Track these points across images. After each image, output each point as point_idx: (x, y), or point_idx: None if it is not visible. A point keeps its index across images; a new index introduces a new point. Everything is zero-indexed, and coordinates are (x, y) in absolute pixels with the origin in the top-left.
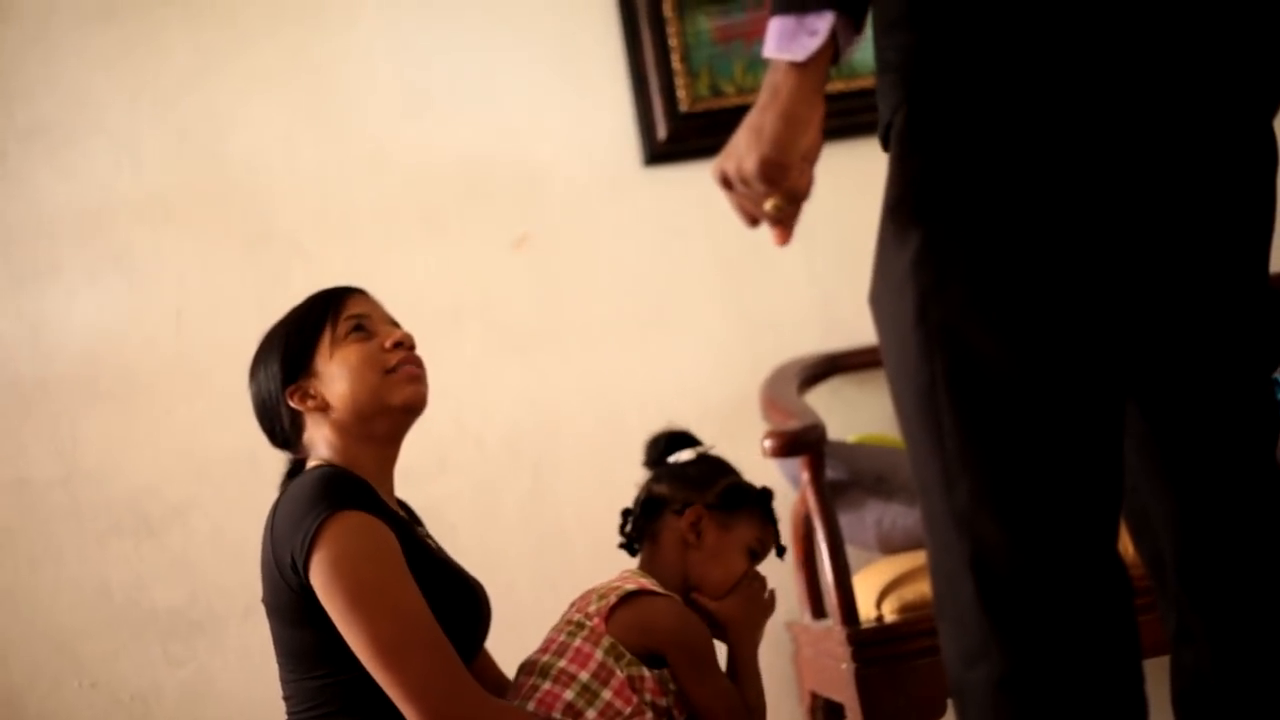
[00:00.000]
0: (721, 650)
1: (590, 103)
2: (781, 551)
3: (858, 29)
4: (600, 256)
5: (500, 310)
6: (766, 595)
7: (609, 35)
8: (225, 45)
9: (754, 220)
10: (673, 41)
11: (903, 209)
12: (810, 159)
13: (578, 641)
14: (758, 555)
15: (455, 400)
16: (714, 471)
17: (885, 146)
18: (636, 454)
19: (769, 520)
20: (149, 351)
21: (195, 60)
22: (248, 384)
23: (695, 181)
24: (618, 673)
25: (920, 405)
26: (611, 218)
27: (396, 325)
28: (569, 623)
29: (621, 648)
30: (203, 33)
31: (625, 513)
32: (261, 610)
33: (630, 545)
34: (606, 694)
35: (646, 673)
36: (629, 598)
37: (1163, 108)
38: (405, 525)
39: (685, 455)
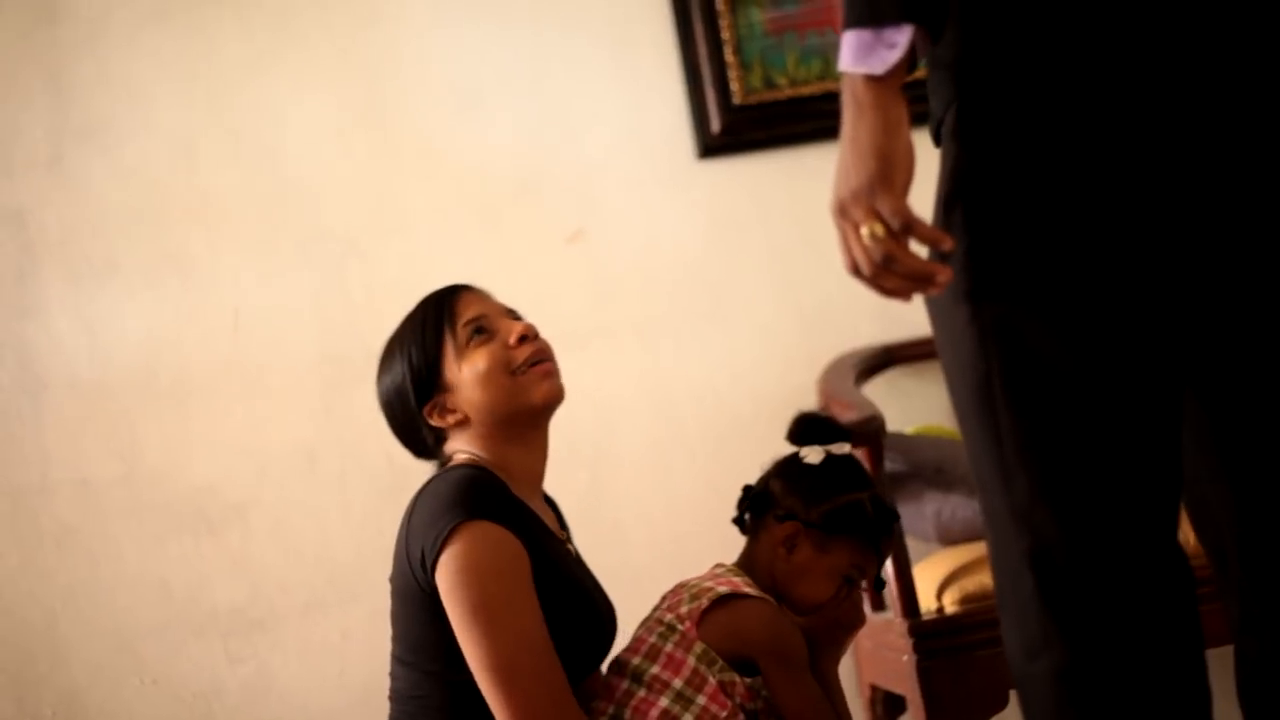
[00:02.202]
0: None
1: (643, 96)
2: (880, 586)
3: (935, 39)
4: (655, 250)
5: (555, 305)
6: (853, 609)
7: (661, 28)
8: (277, 44)
9: (855, 270)
10: (725, 34)
11: (956, 204)
12: (910, 164)
13: (669, 646)
14: (853, 581)
15: None
16: (830, 485)
17: (937, 142)
18: (693, 448)
19: (873, 550)
20: (206, 351)
21: (248, 59)
22: (379, 404)
23: (749, 174)
24: (710, 679)
25: (976, 402)
26: (666, 211)
27: (515, 315)
28: (659, 623)
29: (714, 654)
30: (255, 31)
31: (746, 489)
32: (319, 607)
33: (741, 523)
34: (701, 699)
35: (738, 679)
36: (722, 601)
37: (1215, 100)
38: (541, 537)
39: (814, 457)
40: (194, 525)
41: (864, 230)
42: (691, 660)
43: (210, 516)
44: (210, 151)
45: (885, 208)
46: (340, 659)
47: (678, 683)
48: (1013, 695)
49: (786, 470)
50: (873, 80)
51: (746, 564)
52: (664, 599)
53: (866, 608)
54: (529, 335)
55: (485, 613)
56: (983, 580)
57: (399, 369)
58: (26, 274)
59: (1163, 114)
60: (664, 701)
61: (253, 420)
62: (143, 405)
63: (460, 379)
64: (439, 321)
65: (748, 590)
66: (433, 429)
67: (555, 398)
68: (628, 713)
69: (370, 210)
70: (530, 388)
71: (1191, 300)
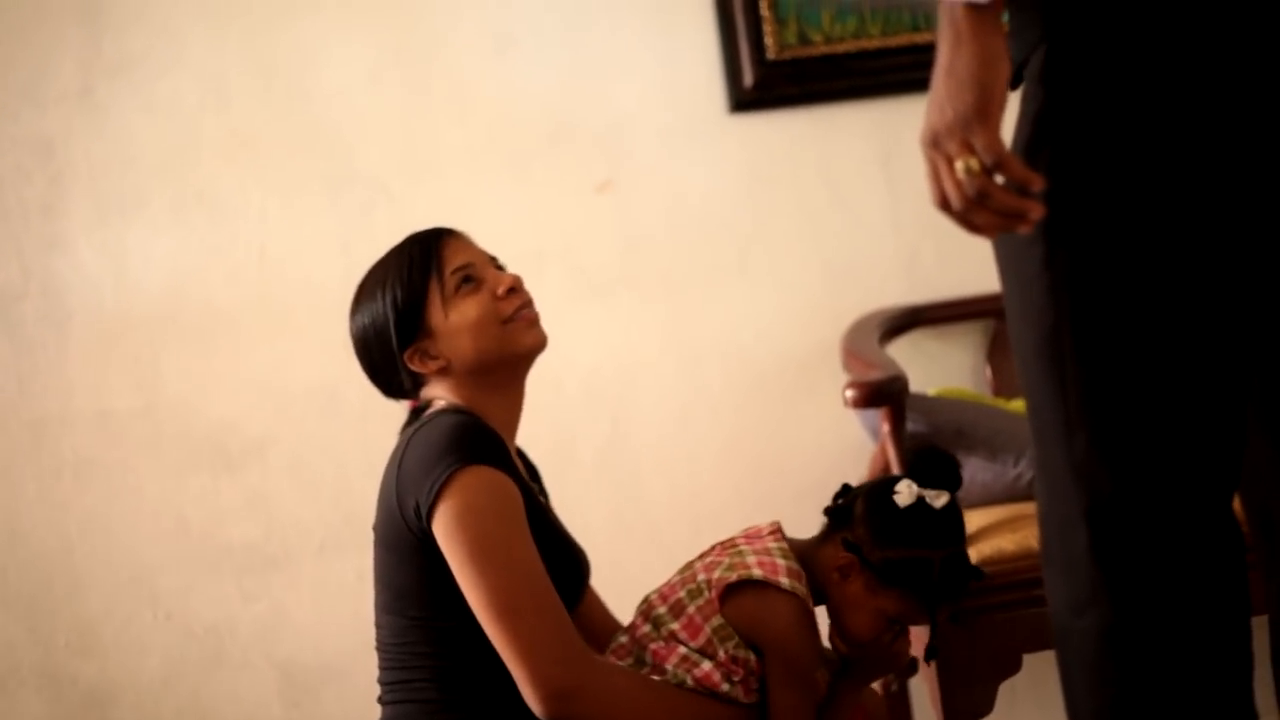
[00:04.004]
0: None
1: (676, 48)
2: (933, 655)
3: None
4: (683, 203)
5: (582, 255)
6: (896, 656)
7: None
8: None
9: (945, 204)
10: None
11: (1041, 149)
12: (1005, 98)
13: (692, 608)
14: (896, 624)
15: None
16: (905, 535)
17: (1015, 86)
18: (715, 402)
19: (925, 610)
20: (231, 288)
21: None
22: (353, 345)
23: (780, 130)
24: (720, 653)
25: (1042, 350)
26: (696, 164)
27: (498, 264)
28: (693, 579)
29: (730, 629)
30: None
31: (846, 489)
32: (335, 548)
33: (830, 516)
34: (708, 664)
35: (753, 657)
36: (753, 584)
37: None
38: (526, 483)
39: (904, 498)
40: (213, 461)
41: (959, 164)
42: (708, 630)
43: (229, 453)
44: (242, 90)
45: (979, 141)
46: (354, 600)
47: (690, 646)
48: (1026, 659)
49: (874, 497)
50: (974, 9)
51: (808, 555)
52: (713, 548)
53: None
54: (516, 287)
55: (486, 554)
56: (999, 544)
57: (381, 309)
58: (54, 206)
59: (1261, 64)
60: (682, 649)
61: (275, 359)
62: (166, 340)
63: (446, 326)
64: (426, 265)
65: (782, 582)
66: (411, 373)
67: (541, 345)
68: (648, 655)
69: (400, 153)
70: (519, 336)
71: (1264, 265)
